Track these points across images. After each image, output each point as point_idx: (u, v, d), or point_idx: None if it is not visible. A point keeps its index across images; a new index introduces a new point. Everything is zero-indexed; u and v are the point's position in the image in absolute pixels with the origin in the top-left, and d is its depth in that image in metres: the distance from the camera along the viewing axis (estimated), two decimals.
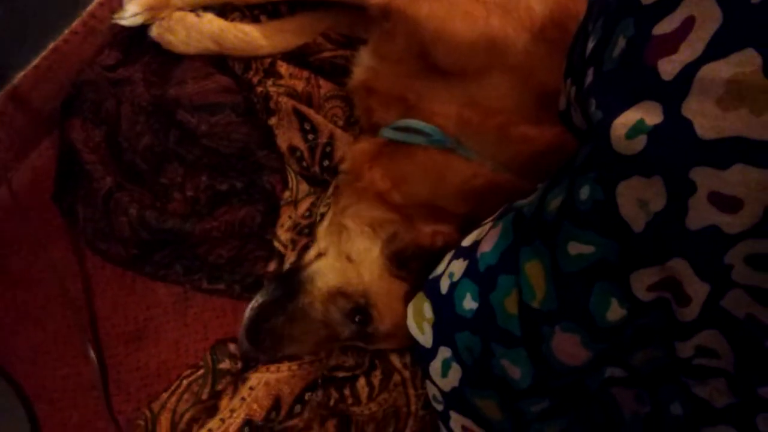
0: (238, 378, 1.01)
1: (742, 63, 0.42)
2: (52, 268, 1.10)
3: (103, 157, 1.14)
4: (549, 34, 0.88)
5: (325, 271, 0.96)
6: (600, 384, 0.65)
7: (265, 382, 1.00)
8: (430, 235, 0.91)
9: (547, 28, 0.88)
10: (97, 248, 1.14)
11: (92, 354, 1.05)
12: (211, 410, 0.98)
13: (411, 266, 0.91)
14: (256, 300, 0.97)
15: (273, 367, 1.01)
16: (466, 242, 0.77)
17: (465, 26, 0.90)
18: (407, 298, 0.90)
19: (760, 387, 0.50)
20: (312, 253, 1.00)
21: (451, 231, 0.89)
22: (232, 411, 0.98)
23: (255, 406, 0.98)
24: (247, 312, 0.96)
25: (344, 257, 0.95)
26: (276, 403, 0.99)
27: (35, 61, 1.18)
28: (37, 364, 1.09)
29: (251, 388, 0.99)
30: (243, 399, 0.98)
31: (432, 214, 0.92)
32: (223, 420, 0.97)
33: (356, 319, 0.93)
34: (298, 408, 0.99)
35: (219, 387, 1.01)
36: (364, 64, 1.04)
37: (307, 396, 1.00)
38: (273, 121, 1.13)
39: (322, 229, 1.03)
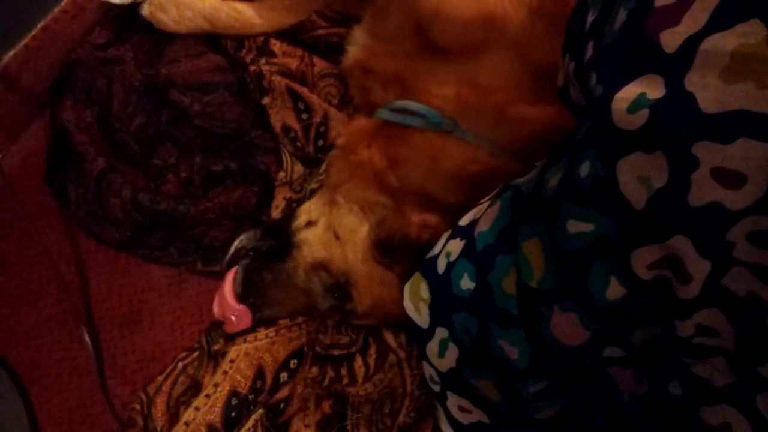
0: (208, 361, 1.01)
1: (746, 34, 0.40)
2: (46, 251, 1.09)
3: (95, 138, 1.13)
4: (547, 8, 0.86)
5: (313, 242, 0.96)
6: (599, 364, 0.65)
7: (245, 353, 0.99)
8: (417, 226, 0.90)
9: (545, 2, 0.86)
10: (90, 230, 1.12)
11: (87, 338, 1.04)
12: (196, 389, 0.98)
13: (395, 255, 0.91)
14: (241, 240, 0.99)
15: (250, 337, 1.01)
16: (464, 221, 0.76)
17: (462, 3, 0.89)
18: (388, 284, 0.91)
19: (760, 366, 0.49)
20: (302, 219, 0.99)
21: (440, 224, 0.89)
22: (216, 385, 0.97)
23: (238, 377, 0.98)
24: (232, 250, 0.99)
25: (332, 232, 0.95)
26: (259, 372, 0.98)
27: (25, 41, 1.16)
28: (32, 348, 1.08)
29: (231, 361, 0.99)
30: (225, 372, 0.98)
31: (424, 204, 0.91)
32: (208, 396, 0.96)
33: (335, 295, 0.94)
34: (284, 375, 0.98)
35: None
36: (358, 43, 1.02)
37: (292, 363, 0.99)
38: (266, 100, 1.12)
39: (314, 197, 1.03)
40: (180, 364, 1.01)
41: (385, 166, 0.93)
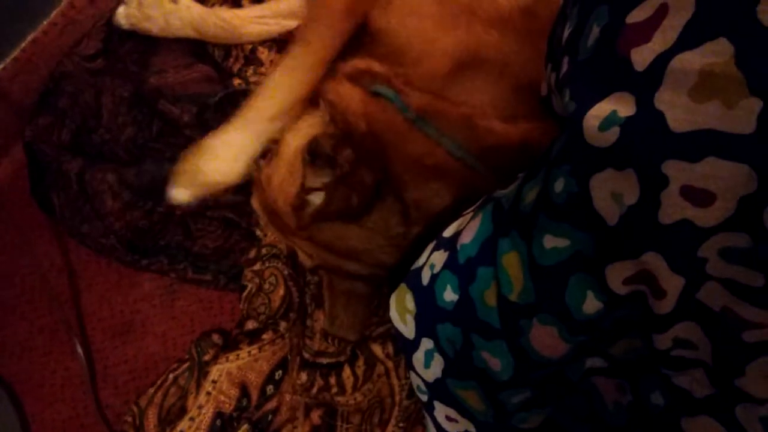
0: (200, 372, 1.01)
1: (714, 53, 0.41)
2: (37, 263, 1.10)
3: (69, 148, 1.14)
4: (518, 23, 0.86)
5: None
6: (581, 374, 0.65)
7: (227, 372, 1.00)
8: (348, 158, 0.88)
9: (515, 17, 0.86)
10: (79, 234, 1.12)
11: (79, 349, 1.05)
12: (180, 411, 0.98)
13: (316, 161, 0.91)
14: None
15: (232, 356, 1.01)
16: (447, 233, 0.76)
17: (439, 44, 0.89)
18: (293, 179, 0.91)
19: (737, 378, 0.49)
20: None
21: (366, 177, 0.87)
22: (200, 408, 0.97)
23: (222, 398, 0.98)
24: None
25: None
26: (243, 391, 0.99)
27: (14, 54, 1.17)
28: (24, 359, 1.08)
29: (214, 382, 0.99)
30: (208, 393, 0.99)
31: (371, 161, 0.88)
32: (192, 419, 0.97)
33: None
34: (270, 389, 0.99)
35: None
36: None
37: (277, 375, 1.00)
38: None
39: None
40: (171, 376, 1.01)
41: (361, 111, 0.91)
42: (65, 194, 1.12)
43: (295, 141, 0.93)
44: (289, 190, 0.91)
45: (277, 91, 0.99)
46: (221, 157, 1.00)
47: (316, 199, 0.89)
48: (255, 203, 1.00)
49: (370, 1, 0.95)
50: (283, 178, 0.92)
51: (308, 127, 0.95)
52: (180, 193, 1.00)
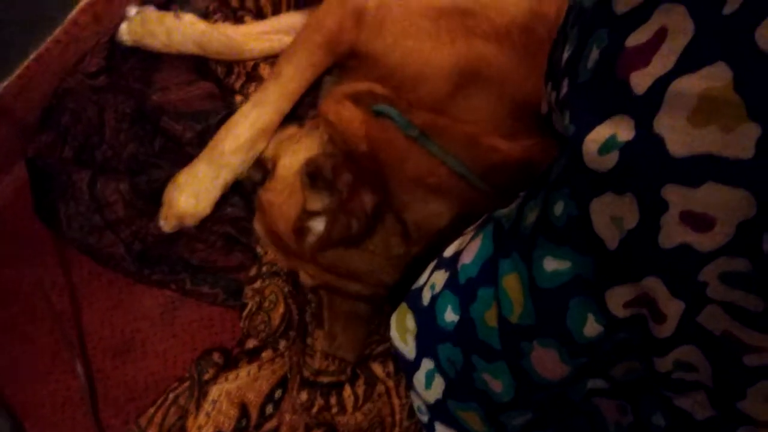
0: (199, 392, 1.01)
1: (713, 77, 0.41)
2: (38, 282, 1.10)
3: (74, 162, 1.14)
4: (516, 39, 0.86)
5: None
6: (583, 395, 0.65)
7: (226, 392, 1.00)
8: (347, 183, 0.88)
9: (513, 33, 0.86)
10: (86, 245, 1.12)
11: (79, 368, 1.05)
12: (184, 421, 0.98)
13: (317, 184, 0.91)
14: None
15: (231, 375, 1.01)
16: (448, 253, 0.76)
17: (436, 63, 0.89)
18: (294, 199, 0.92)
19: (739, 401, 0.49)
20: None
21: (366, 200, 0.87)
22: (200, 428, 0.97)
23: (221, 419, 0.98)
24: None
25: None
26: (243, 411, 0.99)
27: (18, 71, 1.17)
28: (25, 379, 1.08)
29: (213, 401, 0.99)
30: (207, 414, 0.98)
31: (371, 181, 0.89)
32: None
33: (262, 170, 1.01)
34: (269, 408, 0.99)
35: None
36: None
37: (276, 394, 0.99)
38: None
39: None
40: (171, 395, 1.01)
41: (362, 133, 0.91)
42: (75, 204, 1.11)
43: (295, 163, 0.94)
44: (289, 213, 0.91)
45: (243, 125, 1.02)
46: (189, 191, 1.05)
47: (318, 225, 0.89)
48: (257, 226, 1.01)
49: (354, 32, 0.96)
50: (284, 201, 0.93)
51: (306, 150, 0.95)
52: (162, 223, 1.07)
